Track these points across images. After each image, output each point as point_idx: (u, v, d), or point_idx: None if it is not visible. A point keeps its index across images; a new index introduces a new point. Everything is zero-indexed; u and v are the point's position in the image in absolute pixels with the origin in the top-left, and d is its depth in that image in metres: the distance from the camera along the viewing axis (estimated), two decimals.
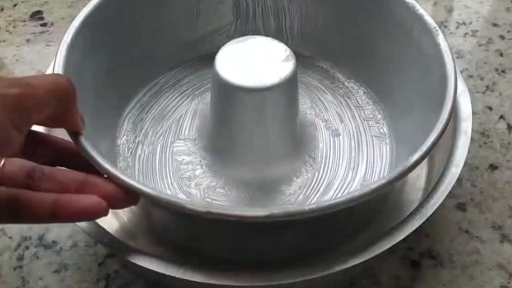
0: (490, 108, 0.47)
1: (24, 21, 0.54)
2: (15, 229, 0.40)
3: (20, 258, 0.39)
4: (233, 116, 0.37)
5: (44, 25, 0.54)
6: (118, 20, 0.40)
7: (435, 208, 0.33)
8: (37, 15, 0.55)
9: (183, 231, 0.37)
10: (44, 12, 0.55)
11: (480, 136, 0.45)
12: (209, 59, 0.38)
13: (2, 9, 0.55)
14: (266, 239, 0.34)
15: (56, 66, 0.35)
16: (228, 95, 0.36)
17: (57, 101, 0.28)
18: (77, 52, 0.36)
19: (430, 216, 0.33)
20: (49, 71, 0.39)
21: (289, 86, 0.36)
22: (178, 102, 0.44)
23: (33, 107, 0.26)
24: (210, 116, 0.40)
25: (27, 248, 0.39)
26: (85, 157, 0.31)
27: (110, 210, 0.39)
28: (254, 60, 0.37)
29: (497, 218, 0.40)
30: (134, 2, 0.41)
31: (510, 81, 0.49)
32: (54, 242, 0.39)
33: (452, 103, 0.34)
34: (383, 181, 0.31)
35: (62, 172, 0.30)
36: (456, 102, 0.38)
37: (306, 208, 0.29)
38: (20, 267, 0.38)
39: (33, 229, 0.40)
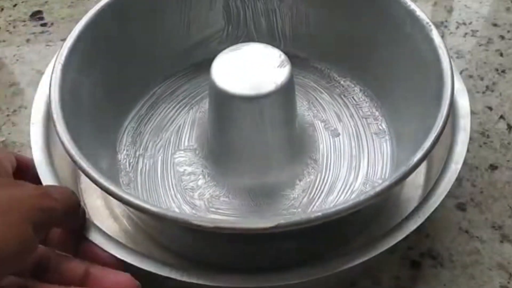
0: (490, 108, 0.47)
1: (24, 21, 0.54)
2: None
3: None
4: (232, 125, 0.37)
5: (44, 25, 0.54)
6: (111, 35, 0.40)
7: (435, 206, 0.33)
8: (37, 15, 0.55)
9: (181, 240, 0.37)
10: (44, 12, 0.55)
11: (480, 136, 0.45)
12: (204, 66, 0.38)
13: (2, 9, 0.55)
14: (267, 245, 0.34)
15: (52, 87, 0.35)
16: (225, 104, 0.36)
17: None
18: (71, 71, 0.36)
19: (431, 215, 0.33)
20: (47, 71, 0.39)
21: (286, 92, 0.36)
22: (175, 112, 0.44)
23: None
24: (208, 125, 0.39)
25: None
26: (88, 178, 0.31)
27: (109, 214, 0.39)
28: (249, 68, 0.36)
29: (497, 218, 0.40)
30: (126, 16, 0.40)
31: (510, 81, 0.49)
32: None
33: (450, 98, 0.34)
34: (387, 183, 0.31)
35: (66, 264, 0.30)
36: (454, 100, 0.38)
37: (312, 216, 0.29)
38: None
39: None
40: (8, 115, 0.47)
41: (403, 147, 0.39)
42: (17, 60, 0.51)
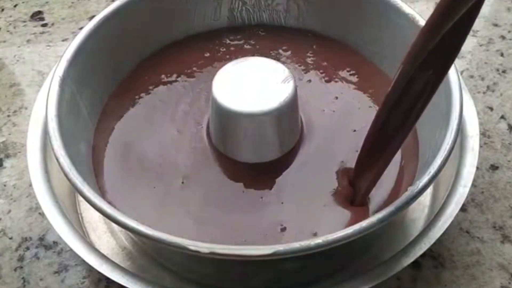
0: (491, 108, 0.47)
1: (24, 21, 0.54)
2: (15, 230, 0.40)
3: (21, 258, 0.39)
4: (233, 138, 0.36)
5: (44, 25, 0.54)
6: (111, 46, 0.39)
7: (441, 232, 0.33)
8: (37, 16, 0.55)
9: (178, 259, 0.36)
10: (45, 13, 0.55)
11: (481, 136, 0.45)
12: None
13: (3, 10, 0.55)
14: (269, 270, 0.34)
15: (49, 99, 0.34)
16: (226, 120, 0.36)
17: None
18: (70, 83, 0.35)
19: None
20: (50, 74, 0.39)
21: (288, 108, 0.35)
22: None
23: None
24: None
25: (27, 248, 0.39)
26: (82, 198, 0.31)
27: (107, 229, 0.39)
28: (252, 83, 0.35)
29: (498, 218, 0.40)
30: (127, 26, 0.40)
31: (511, 81, 0.49)
32: (55, 243, 0.39)
33: (459, 121, 0.33)
34: (391, 208, 0.30)
35: None
36: (463, 120, 0.36)
37: (312, 243, 0.28)
38: (21, 267, 0.38)
39: (34, 230, 0.40)
40: (8, 116, 0.47)
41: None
42: (18, 60, 0.51)
